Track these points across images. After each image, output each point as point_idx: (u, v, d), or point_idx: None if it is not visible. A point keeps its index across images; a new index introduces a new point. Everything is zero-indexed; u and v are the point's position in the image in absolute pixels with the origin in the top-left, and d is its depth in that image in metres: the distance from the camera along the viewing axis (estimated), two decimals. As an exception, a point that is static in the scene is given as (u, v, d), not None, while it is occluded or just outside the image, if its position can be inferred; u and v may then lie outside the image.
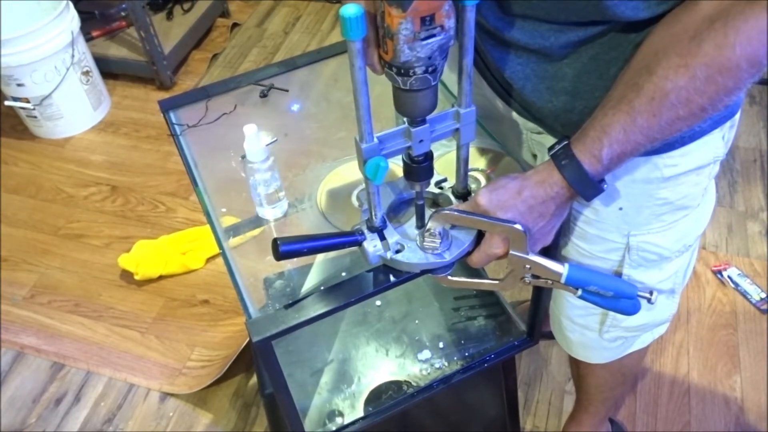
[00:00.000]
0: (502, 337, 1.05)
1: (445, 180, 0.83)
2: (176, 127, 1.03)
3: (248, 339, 1.29)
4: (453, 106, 0.71)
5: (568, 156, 0.68)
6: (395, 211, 0.82)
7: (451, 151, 0.91)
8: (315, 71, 1.11)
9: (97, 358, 1.70)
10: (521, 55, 0.77)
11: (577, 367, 1.26)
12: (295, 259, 0.77)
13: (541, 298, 0.96)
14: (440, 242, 0.74)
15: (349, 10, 0.55)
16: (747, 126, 2.16)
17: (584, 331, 1.04)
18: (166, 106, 1.06)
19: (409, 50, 0.59)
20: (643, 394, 1.58)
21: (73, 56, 2.19)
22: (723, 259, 1.84)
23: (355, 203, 0.88)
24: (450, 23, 0.59)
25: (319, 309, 0.73)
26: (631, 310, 0.76)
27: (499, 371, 1.16)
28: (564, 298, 1.01)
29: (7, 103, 2.24)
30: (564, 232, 0.92)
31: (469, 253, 0.76)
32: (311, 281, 0.91)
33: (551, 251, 0.81)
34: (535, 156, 0.97)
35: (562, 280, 0.73)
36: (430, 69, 0.62)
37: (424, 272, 0.76)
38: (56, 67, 2.17)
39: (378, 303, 1.12)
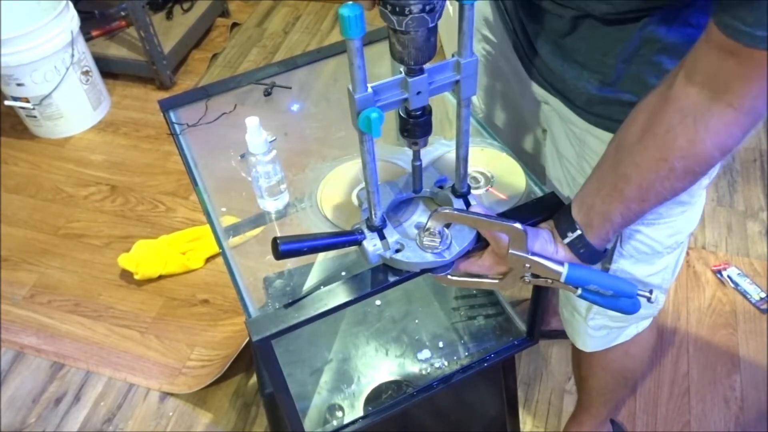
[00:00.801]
0: (502, 336, 1.05)
1: (445, 180, 0.83)
2: (176, 126, 1.03)
3: (248, 338, 1.30)
4: (453, 56, 0.67)
5: (584, 245, 0.75)
6: (395, 210, 0.82)
7: (451, 151, 0.92)
8: (315, 71, 1.11)
9: (97, 358, 1.70)
10: (548, 22, 0.81)
11: (579, 368, 1.27)
12: (295, 259, 0.77)
13: (540, 297, 0.96)
14: (440, 241, 0.74)
15: (348, 9, 0.55)
16: (747, 126, 2.16)
17: (574, 313, 1.07)
18: (166, 106, 1.06)
19: None
20: (643, 394, 1.58)
21: (72, 56, 2.20)
22: (723, 258, 1.84)
23: (355, 202, 0.88)
24: None
25: (319, 308, 0.73)
26: (631, 309, 0.76)
27: (499, 371, 1.16)
28: None
29: (7, 102, 2.24)
30: None
31: (469, 253, 0.76)
32: (311, 281, 0.91)
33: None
34: (545, 131, 1.00)
35: (562, 279, 0.73)
36: (427, 8, 0.57)
37: (423, 271, 0.76)
38: (56, 66, 2.17)
39: (378, 302, 1.12)
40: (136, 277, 1.84)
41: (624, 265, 0.93)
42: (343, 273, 0.85)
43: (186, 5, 2.63)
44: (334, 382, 1.02)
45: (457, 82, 0.67)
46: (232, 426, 1.57)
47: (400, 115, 0.69)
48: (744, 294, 1.74)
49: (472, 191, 0.81)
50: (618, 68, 0.77)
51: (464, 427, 1.34)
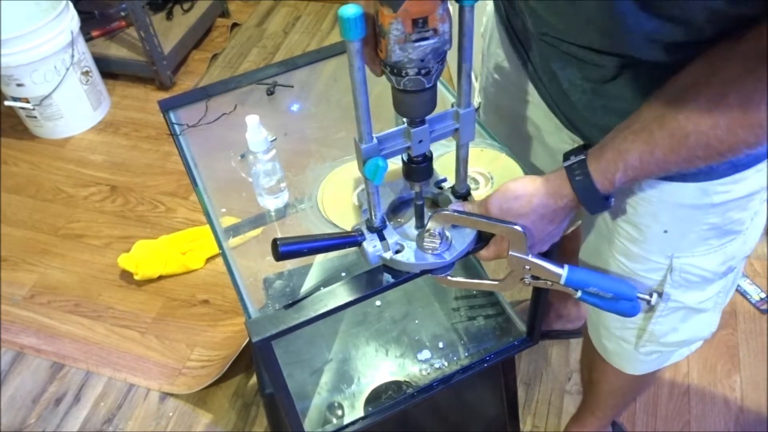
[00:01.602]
0: (502, 337, 1.05)
1: (445, 180, 0.83)
2: (176, 127, 1.03)
3: (248, 339, 1.30)
4: (452, 106, 0.71)
5: (583, 172, 0.68)
6: (395, 211, 0.82)
7: (451, 151, 0.91)
8: (315, 71, 1.11)
9: (97, 358, 1.70)
10: (580, 68, 0.75)
11: (589, 371, 1.24)
12: (295, 259, 0.77)
13: (540, 298, 0.96)
14: (440, 242, 0.74)
15: (348, 10, 0.55)
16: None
17: (620, 342, 1.02)
18: (166, 106, 1.06)
19: (400, 51, 0.59)
20: (643, 394, 1.58)
21: (72, 56, 2.19)
22: (723, 259, 1.84)
23: (355, 203, 0.88)
24: (444, 27, 0.58)
25: (319, 309, 0.73)
26: (631, 311, 0.75)
27: (499, 371, 1.16)
28: None
29: (7, 103, 2.24)
30: (608, 246, 0.91)
31: (469, 253, 0.76)
32: (311, 281, 0.91)
33: (551, 252, 0.81)
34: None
35: (562, 282, 0.73)
36: (423, 71, 0.61)
37: (423, 272, 0.76)
38: (56, 67, 2.17)
39: (378, 303, 1.12)
40: (136, 277, 1.84)
41: (674, 293, 0.89)
42: (343, 274, 0.85)
43: (186, 5, 2.63)
44: (334, 383, 1.02)
45: (456, 129, 0.72)
46: (232, 426, 1.57)
47: (403, 160, 0.73)
48: (744, 294, 1.74)
49: (472, 192, 0.81)
50: None
51: (464, 427, 1.34)
